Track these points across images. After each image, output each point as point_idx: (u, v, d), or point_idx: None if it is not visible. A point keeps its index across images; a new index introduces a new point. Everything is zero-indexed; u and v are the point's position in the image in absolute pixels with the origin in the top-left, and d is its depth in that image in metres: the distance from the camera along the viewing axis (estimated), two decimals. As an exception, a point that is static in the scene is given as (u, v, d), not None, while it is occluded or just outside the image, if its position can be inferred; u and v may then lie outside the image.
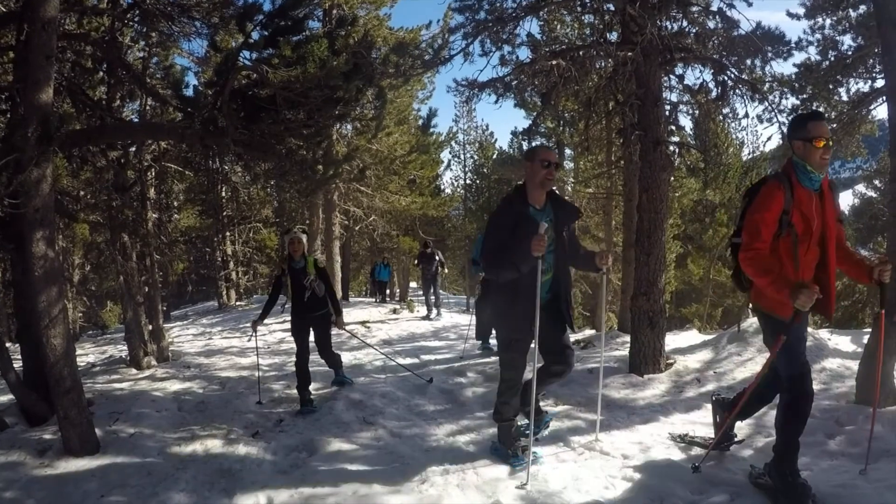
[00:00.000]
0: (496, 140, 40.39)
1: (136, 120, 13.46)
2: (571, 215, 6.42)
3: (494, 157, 37.60)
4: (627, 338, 11.18)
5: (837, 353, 9.96)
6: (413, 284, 47.02)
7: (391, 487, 5.88)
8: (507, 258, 5.81)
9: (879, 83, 11.62)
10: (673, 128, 11.23)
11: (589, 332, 17.92)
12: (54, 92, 7.10)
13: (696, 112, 13.68)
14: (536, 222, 5.90)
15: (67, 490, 6.05)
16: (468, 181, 40.26)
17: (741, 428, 7.51)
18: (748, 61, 10.55)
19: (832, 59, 11.88)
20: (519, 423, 6.91)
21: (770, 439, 6.97)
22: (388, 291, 34.90)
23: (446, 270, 25.44)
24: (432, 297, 23.53)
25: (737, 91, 10.58)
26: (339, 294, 21.60)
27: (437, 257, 23.00)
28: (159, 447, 7.26)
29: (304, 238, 9.66)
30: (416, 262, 24.77)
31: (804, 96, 12.13)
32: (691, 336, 13.39)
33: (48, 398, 7.33)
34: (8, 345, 9.04)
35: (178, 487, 6.05)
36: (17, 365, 8.36)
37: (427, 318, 23.17)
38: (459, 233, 40.14)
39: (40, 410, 7.96)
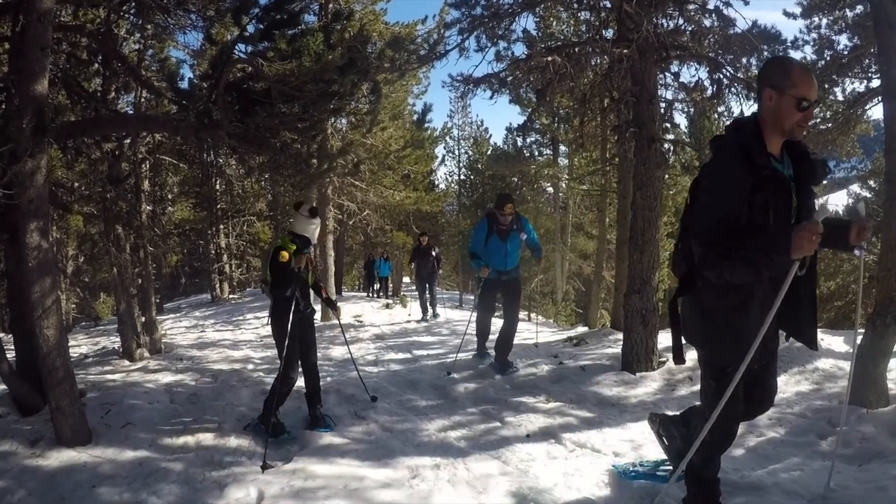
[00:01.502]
0: (491, 136, 40.68)
1: (131, 112, 13.45)
2: (819, 172, 4.13)
3: (489, 152, 37.71)
4: (620, 335, 11.18)
5: (830, 353, 9.96)
6: (406, 280, 47.03)
7: (382, 482, 5.90)
8: (742, 248, 3.58)
9: (875, 83, 11.66)
10: (668, 125, 11.25)
11: (582, 328, 17.93)
12: (49, 83, 7.08)
13: (692, 110, 13.66)
14: (789, 185, 3.90)
15: (58, 480, 6.06)
16: (462, 177, 40.43)
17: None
18: (744, 60, 10.56)
19: (828, 58, 11.90)
20: None
21: (762, 438, 7.03)
22: (389, 286, 34.30)
23: (441, 270, 22.81)
24: (427, 296, 20.74)
25: (732, 89, 10.58)
26: (333, 289, 21.45)
27: (433, 252, 20.82)
28: (151, 439, 7.26)
29: None
30: (410, 262, 22.20)
31: (799, 95, 12.14)
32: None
33: (41, 389, 7.32)
34: (1, 335, 9.05)
35: (169, 479, 6.06)
36: (10, 355, 8.36)
37: (423, 320, 20.21)
38: (453, 228, 40.17)
39: (32, 401, 7.95)
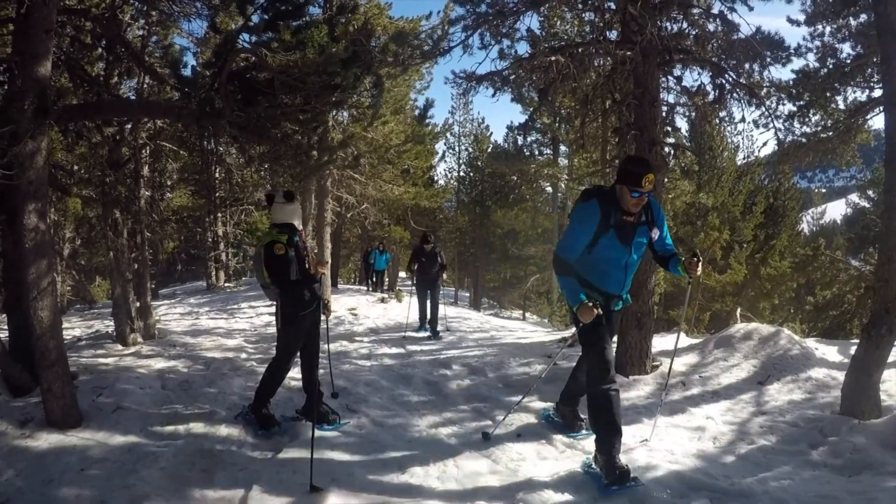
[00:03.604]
0: (491, 134, 40.72)
1: (133, 97, 13.44)
2: None
3: (489, 150, 37.74)
4: (614, 338, 11.19)
5: (824, 362, 9.99)
6: (402, 274, 47.06)
7: (371, 477, 5.92)
8: None
9: (877, 93, 11.63)
10: (669, 129, 11.24)
11: (576, 330, 17.91)
12: (52, 66, 7.10)
13: (693, 114, 13.67)
14: None
15: (47, 462, 6.06)
16: (462, 173, 40.62)
17: (724, 434, 7.56)
18: (747, 65, 10.55)
19: (831, 66, 11.87)
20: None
21: (753, 446, 7.07)
22: (386, 280, 33.56)
23: (445, 275, 18.59)
24: (429, 307, 16.29)
25: (734, 95, 10.59)
26: (329, 282, 21.27)
27: (439, 258, 16.51)
28: (141, 424, 7.26)
29: None
30: (411, 266, 16.91)
31: (801, 103, 12.13)
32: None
33: (33, 370, 7.34)
34: (-5, 315, 9.07)
35: (158, 465, 6.06)
36: (4, 335, 8.36)
37: (422, 329, 16.35)
38: (451, 224, 40.16)
39: (24, 382, 7.95)
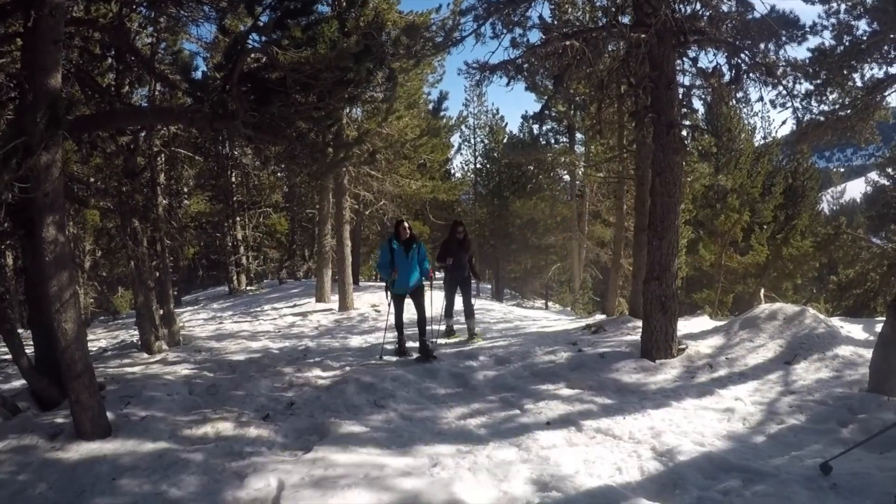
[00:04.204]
0: (506, 124, 40.48)
1: (146, 105, 13.45)
2: None
3: (505, 141, 37.66)
4: (639, 322, 11.13)
5: (850, 340, 9.97)
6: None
7: (402, 470, 5.89)
8: None
9: (894, 69, 11.56)
10: (686, 111, 11.17)
11: (600, 316, 17.91)
12: (63, 78, 7.10)
13: (709, 96, 13.58)
14: None
15: (79, 473, 6.06)
16: (478, 165, 40.52)
17: (753, 414, 7.53)
18: (762, 45, 10.47)
19: (847, 44, 11.76)
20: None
21: (783, 426, 7.03)
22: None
23: (475, 281, 15.59)
24: (458, 301, 14.17)
25: (751, 75, 10.51)
26: (350, 278, 21.22)
27: (471, 252, 14.40)
28: (170, 430, 7.25)
29: None
30: (444, 259, 13.51)
31: (818, 81, 12.04)
32: (703, 322, 13.36)
33: (60, 382, 7.36)
34: (20, 331, 9.09)
35: (189, 470, 6.05)
36: (29, 350, 8.38)
37: (450, 332, 14.26)
38: (469, 217, 40.08)
39: (52, 395, 7.99)
